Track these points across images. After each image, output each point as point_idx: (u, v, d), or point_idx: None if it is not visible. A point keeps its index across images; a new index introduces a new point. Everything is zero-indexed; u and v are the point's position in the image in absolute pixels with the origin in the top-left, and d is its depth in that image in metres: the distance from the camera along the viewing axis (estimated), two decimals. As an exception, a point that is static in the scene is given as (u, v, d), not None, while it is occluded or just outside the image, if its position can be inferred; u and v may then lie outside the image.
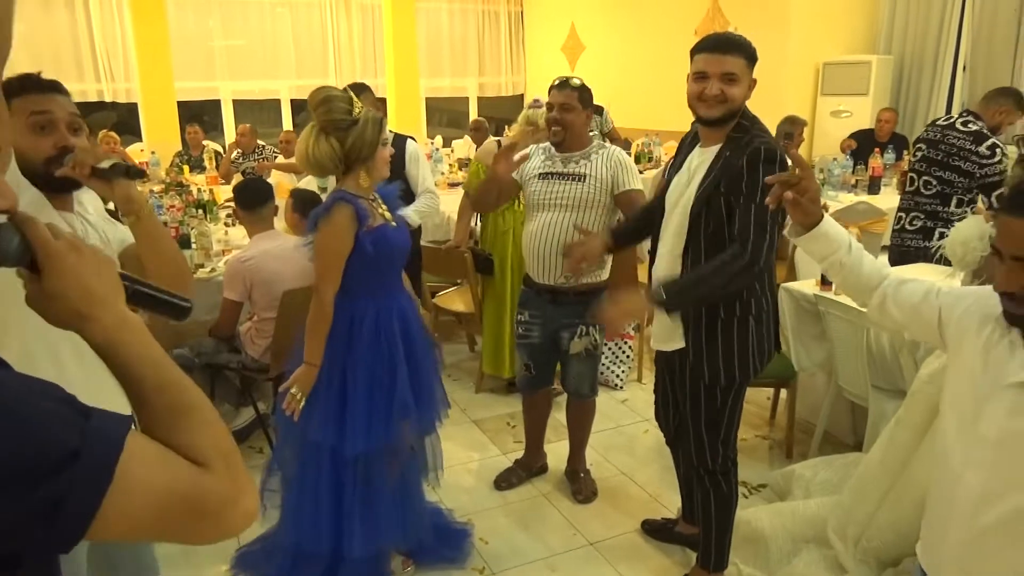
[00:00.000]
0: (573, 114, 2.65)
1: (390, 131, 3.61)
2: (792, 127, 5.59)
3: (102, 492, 0.63)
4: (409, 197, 3.51)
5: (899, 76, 6.68)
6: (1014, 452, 1.28)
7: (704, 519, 2.33)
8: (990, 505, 1.31)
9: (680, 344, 2.14)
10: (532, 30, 10.45)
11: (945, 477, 1.41)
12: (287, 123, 9.23)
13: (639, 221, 2.48)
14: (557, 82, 2.71)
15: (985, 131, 3.43)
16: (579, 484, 3.02)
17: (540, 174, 2.71)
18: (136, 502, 0.66)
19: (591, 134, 5.38)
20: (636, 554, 2.65)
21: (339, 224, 2.10)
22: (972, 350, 1.39)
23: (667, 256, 2.16)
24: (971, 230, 2.49)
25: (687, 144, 2.21)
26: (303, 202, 3.28)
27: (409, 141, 3.66)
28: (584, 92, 2.68)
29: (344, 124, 2.12)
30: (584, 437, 3.05)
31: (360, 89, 3.40)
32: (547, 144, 2.78)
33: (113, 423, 0.67)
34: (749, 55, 2.03)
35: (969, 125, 3.47)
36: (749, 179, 1.94)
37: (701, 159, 2.10)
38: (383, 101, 8.35)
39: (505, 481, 3.05)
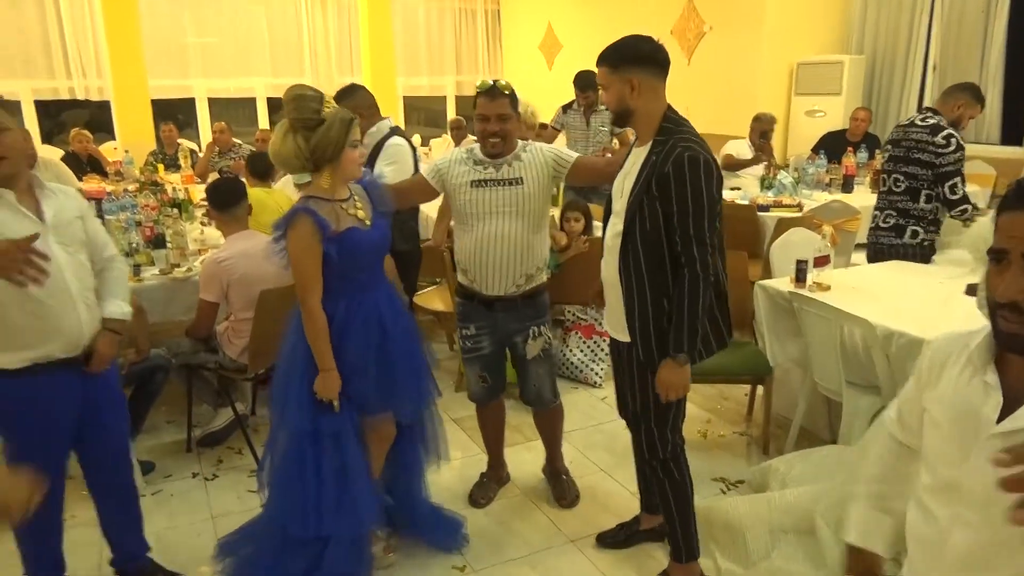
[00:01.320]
0: (510, 123, 2.53)
1: (394, 125, 3.59)
2: (762, 124, 5.67)
3: None
4: None
5: (871, 76, 6.77)
6: (1004, 509, 1.11)
7: (665, 510, 2.39)
8: (980, 568, 1.19)
9: (627, 338, 2.24)
10: (509, 28, 10.46)
11: (929, 534, 1.27)
12: (263, 121, 9.15)
13: None
14: (485, 89, 2.52)
15: (942, 123, 3.52)
16: (562, 488, 2.97)
17: (473, 182, 2.56)
18: None
19: (603, 130, 5.40)
20: (617, 550, 2.67)
21: (302, 236, 2.16)
22: (940, 399, 1.25)
23: (609, 255, 2.26)
24: (991, 225, 2.47)
25: (632, 144, 2.32)
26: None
27: (394, 138, 3.45)
28: (514, 96, 2.56)
29: (311, 123, 2.15)
30: (558, 440, 3.01)
31: (352, 91, 3.36)
32: (468, 149, 2.66)
33: None
34: (611, 61, 2.16)
35: (928, 120, 3.57)
36: (678, 188, 2.04)
37: (634, 159, 2.21)
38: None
39: (484, 498, 2.99)
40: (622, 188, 2.23)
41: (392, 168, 3.24)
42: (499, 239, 2.56)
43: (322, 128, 2.15)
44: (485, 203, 2.56)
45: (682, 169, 2.03)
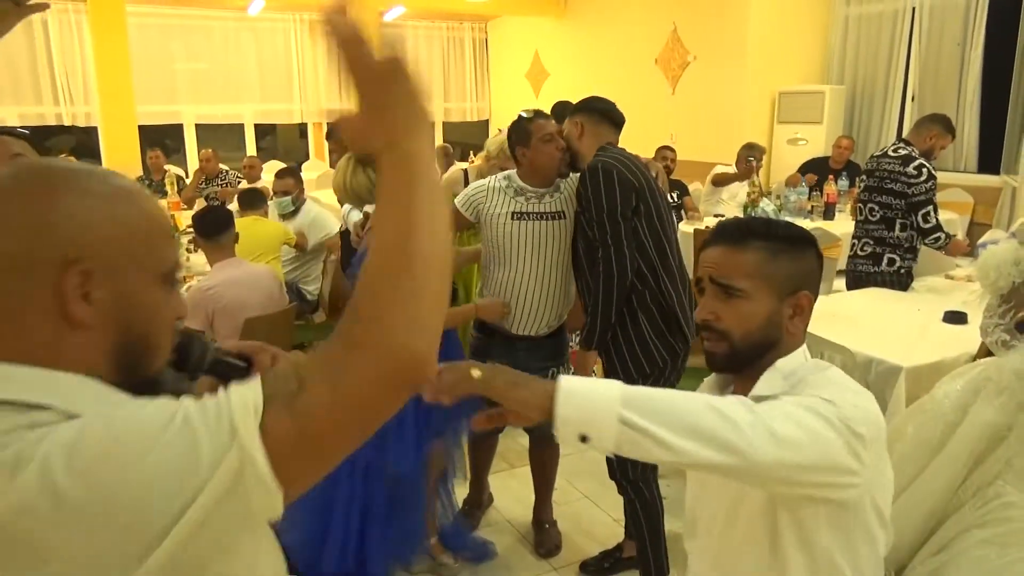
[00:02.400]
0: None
1: None
2: (752, 152, 5.77)
3: None
4: None
5: (851, 105, 6.90)
6: (726, 531, 1.24)
7: (636, 529, 2.44)
8: None
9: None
10: (496, 57, 10.58)
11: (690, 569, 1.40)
12: (250, 147, 9.19)
13: None
14: (535, 112, 2.57)
15: (914, 154, 3.59)
16: (543, 536, 2.89)
17: (514, 213, 2.49)
18: None
19: None
20: (600, 579, 2.67)
21: None
22: None
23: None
24: (1006, 254, 2.45)
25: None
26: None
27: None
28: None
29: None
30: (551, 484, 2.95)
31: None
32: (506, 176, 2.59)
33: None
34: (572, 109, 2.51)
35: (899, 151, 3.64)
36: (582, 198, 2.30)
37: None
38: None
39: (467, 527, 2.96)
40: None
41: None
42: (539, 278, 2.51)
43: None
44: (526, 237, 2.49)
45: (584, 178, 2.28)
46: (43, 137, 8.66)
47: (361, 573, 2.27)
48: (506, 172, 2.63)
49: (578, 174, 2.68)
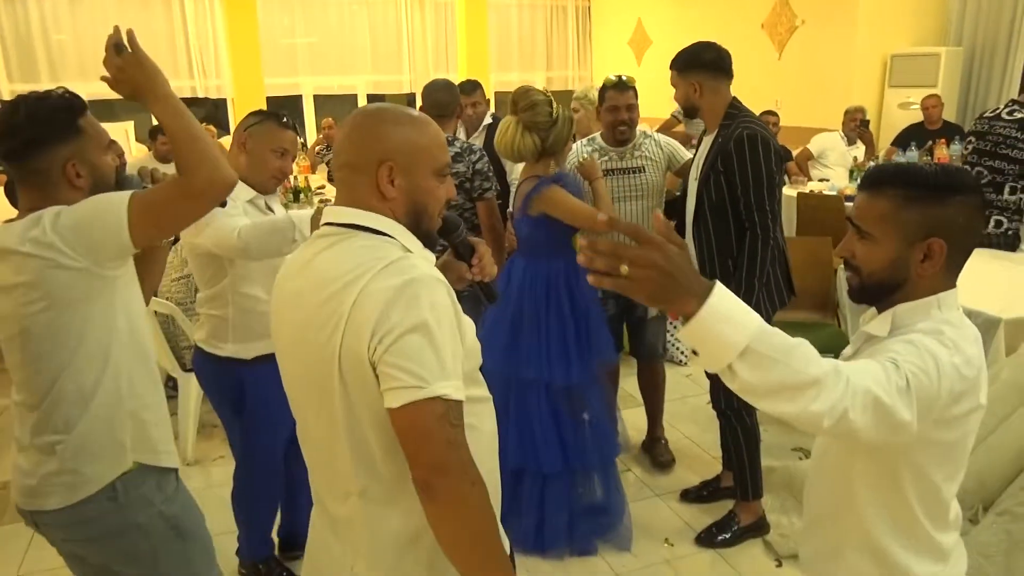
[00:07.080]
0: (635, 113, 2.92)
1: (493, 114, 3.92)
2: (853, 115, 5.81)
3: None
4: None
5: (969, 68, 6.68)
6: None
7: (736, 454, 2.67)
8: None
9: None
10: (599, 25, 10.66)
11: None
12: (363, 116, 9.67)
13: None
14: (614, 83, 2.87)
15: None
16: (659, 449, 3.27)
17: (604, 170, 2.86)
18: None
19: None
20: (699, 504, 2.93)
21: (563, 193, 2.57)
22: None
23: (688, 229, 2.61)
24: None
25: (701, 136, 2.69)
26: None
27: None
28: (635, 90, 2.92)
29: (546, 125, 2.53)
30: (660, 403, 3.29)
31: (474, 86, 3.74)
32: (590, 139, 2.99)
33: None
34: (678, 67, 2.52)
35: (1015, 114, 3.60)
36: (739, 162, 2.37)
37: (705, 146, 2.57)
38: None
39: None
40: (696, 172, 2.58)
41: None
42: (625, 217, 2.84)
43: (556, 128, 2.54)
44: (611, 190, 2.90)
45: (742, 145, 2.36)
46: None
47: (579, 466, 2.63)
48: (591, 135, 3.05)
49: (660, 135, 3.03)
